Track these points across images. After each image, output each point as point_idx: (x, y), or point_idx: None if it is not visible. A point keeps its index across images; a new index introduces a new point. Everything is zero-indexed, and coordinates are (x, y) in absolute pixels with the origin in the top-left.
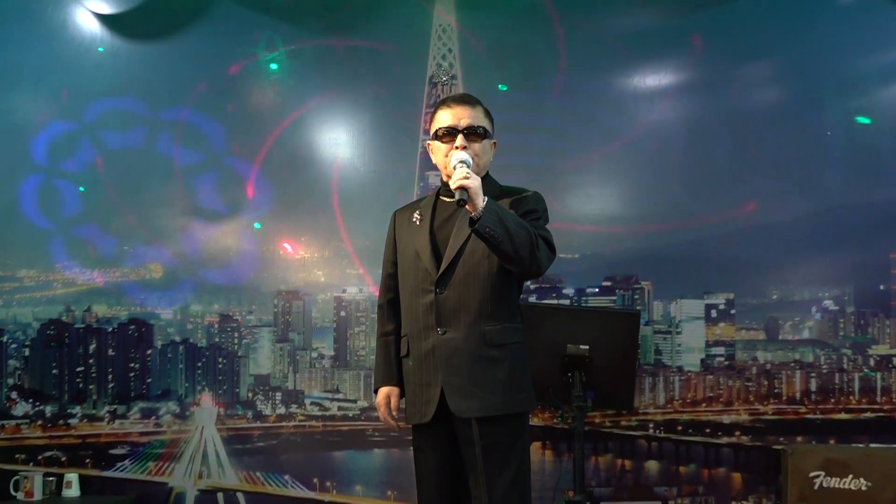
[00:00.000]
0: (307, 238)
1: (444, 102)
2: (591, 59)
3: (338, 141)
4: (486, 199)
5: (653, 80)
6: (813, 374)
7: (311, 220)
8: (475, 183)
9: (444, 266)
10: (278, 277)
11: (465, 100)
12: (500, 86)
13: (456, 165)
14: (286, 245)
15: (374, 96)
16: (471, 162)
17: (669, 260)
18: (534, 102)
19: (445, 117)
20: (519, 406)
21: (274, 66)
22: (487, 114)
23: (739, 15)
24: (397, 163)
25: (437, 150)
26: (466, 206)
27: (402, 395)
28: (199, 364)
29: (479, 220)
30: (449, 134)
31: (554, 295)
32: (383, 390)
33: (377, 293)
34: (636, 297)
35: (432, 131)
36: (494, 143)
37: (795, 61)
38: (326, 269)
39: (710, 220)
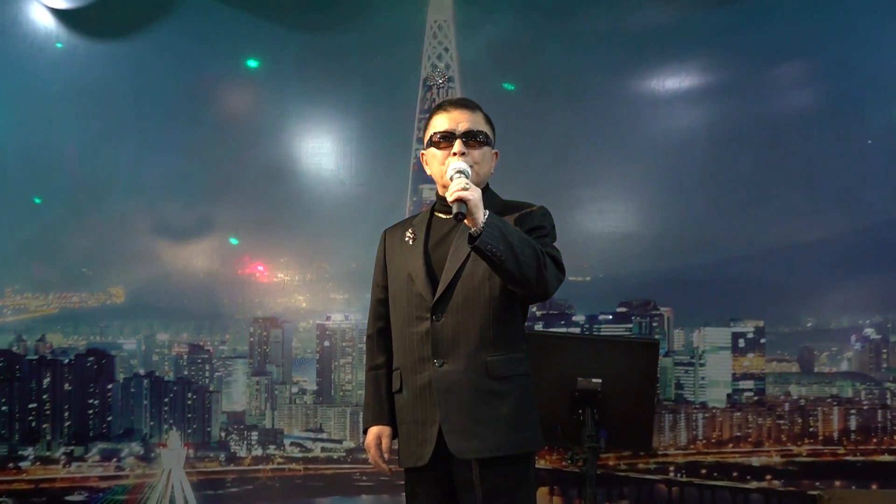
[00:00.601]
0: (287, 259)
1: (441, 106)
2: (603, 59)
3: (321, 150)
4: (488, 212)
5: (672, 82)
6: (853, 411)
7: (292, 239)
8: (475, 195)
9: (440, 290)
10: (254, 303)
11: (463, 104)
12: (504, 84)
13: (453, 176)
14: (260, 267)
15: (363, 101)
16: (469, 172)
17: (692, 283)
18: (539, 108)
19: (442, 122)
20: (525, 446)
21: (252, 64)
22: (488, 120)
23: (769, 10)
24: (388, 175)
25: (433, 158)
26: (465, 221)
27: (394, 434)
28: (166, 400)
29: (479, 236)
30: (445, 139)
31: (562, 322)
32: (373, 430)
33: (365, 321)
34: (654, 324)
35: (427, 138)
36: (496, 153)
37: (832, 61)
38: (308, 294)
39: (737, 238)
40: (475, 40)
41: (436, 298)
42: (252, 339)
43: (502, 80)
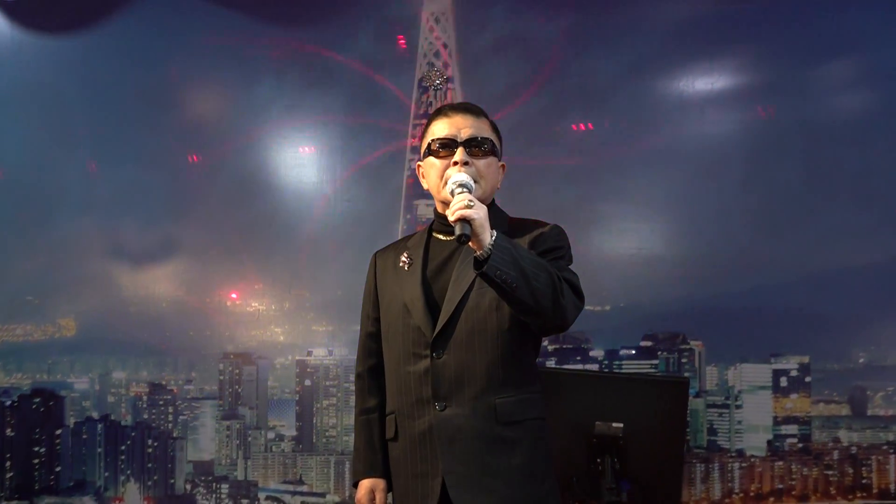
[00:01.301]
0: (262, 286)
1: (440, 111)
2: (625, 56)
3: (302, 161)
4: (495, 232)
5: (703, 83)
6: None
7: (268, 263)
8: (480, 213)
9: (441, 322)
10: (224, 336)
11: (466, 108)
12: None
13: (454, 190)
14: (233, 295)
15: (349, 104)
16: (473, 185)
17: (727, 313)
18: (552, 112)
19: (442, 128)
20: (541, 501)
21: (222, 65)
22: (494, 127)
23: (815, 3)
24: (378, 189)
25: (431, 169)
26: (469, 244)
27: (389, 488)
28: (123, 447)
29: (486, 260)
30: (446, 148)
31: (578, 358)
32: (365, 483)
33: (352, 357)
34: (684, 360)
35: (424, 146)
36: (503, 164)
37: (884, 61)
38: (287, 326)
39: (778, 261)
40: (477, 35)
41: (436, 332)
42: (222, 378)
43: (507, 80)
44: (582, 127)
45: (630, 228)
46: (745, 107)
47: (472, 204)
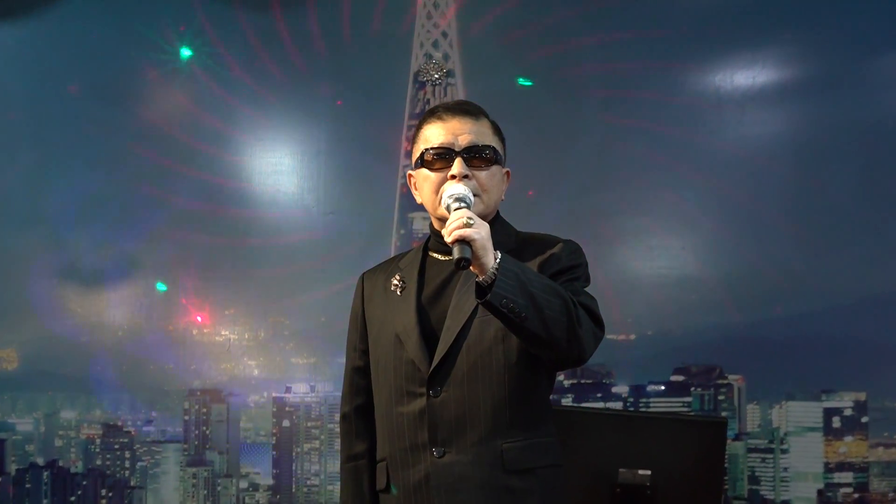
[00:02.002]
0: (234, 311)
1: (434, 113)
2: (651, 47)
3: (279, 167)
4: (500, 254)
5: (743, 77)
6: None
7: (241, 285)
8: (482, 232)
9: (439, 356)
10: (190, 370)
11: (463, 109)
12: (519, 80)
13: (451, 206)
14: (199, 318)
15: (334, 102)
16: (472, 200)
17: (770, 343)
18: (566, 112)
19: (436, 133)
20: None
21: (187, 54)
22: (497, 130)
23: None
24: (367, 200)
25: (424, 182)
26: (470, 268)
27: None
28: (73, 498)
29: (490, 286)
30: (441, 157)
31: (599, 395)
32: None
33: (338, 394)
34: (721, 397)
35: (416, 155)
36: (508, 172)
37: None
38: (262, 358)
39: (829, 284)
40: (481, 22)
41: (433, 367)
42: (187, 418)
43: (516, 73)
44: (602, 128)
45: (658, 245)
46: (792, 105)
47: (471, 222)
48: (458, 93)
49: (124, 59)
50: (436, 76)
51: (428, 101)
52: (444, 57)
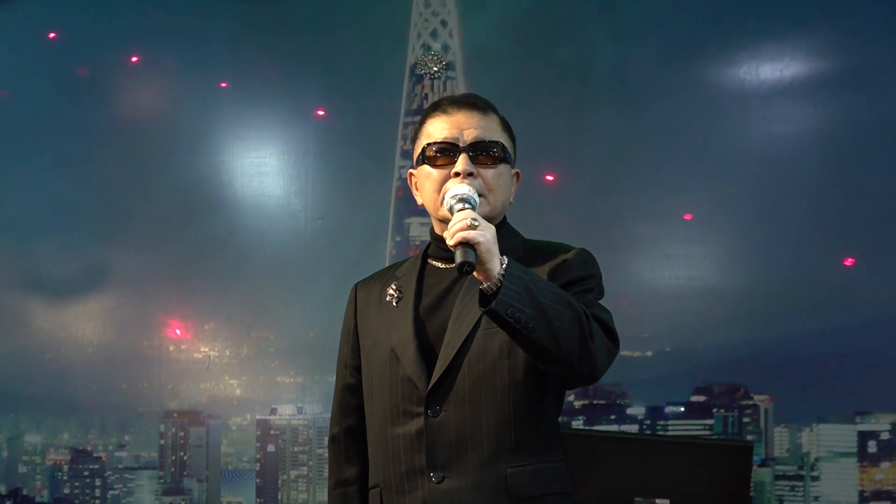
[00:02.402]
0: (214, 325)
1: (438, 106)
2: (671, 37)
3: (264, 169)
4: (506, 259)
5: (771, 69)
6: None
7: (221, 297)
8: (487, 234)
9: (438, 372)
10: (166, 390)
11: (471, 102)
12: None
13: (454, 206)
14: (177, 331)
15: (323, 98)
16: (478, 201)
17: (800, 360)
18: (578, 109)
19: (440, 128)
20: None
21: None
22: (506, 127)
23: None
24: (360, 205)
25: (426, 180)
26: (474, 274)
27: None
28: None
29: (495, 295)
30: (445, 153)
31: (613, 417)
32: None
33: (327, 416)
34: (746, 419)
35: (417, 151)
36: (517, 173)
37: None
38: (245, 377)
39: (866, 295)
40: (484, 10)
41: (432, 384)
42: (163, 443)
43: (525, 67)
44: (615, 126)
45: (677, 253)
46: (824, 99)
47: (476, 223)
48: (459, 87)
49: (93, 51)
50: (434, 69)
51: (426, 96)
52: (443, 48)
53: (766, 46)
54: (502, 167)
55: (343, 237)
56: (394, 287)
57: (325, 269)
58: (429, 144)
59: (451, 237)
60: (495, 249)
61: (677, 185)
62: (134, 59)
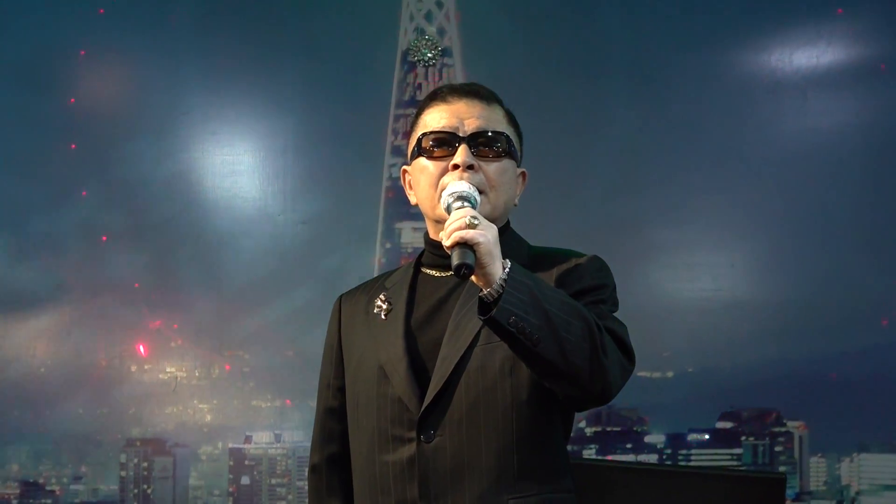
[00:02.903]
0: (182, 342)
1: (437, 95)
2: (693, 21)
3: (237, 167)
4: (509, 263)
5: (805, 56)
6: None
7: (190, 311)
8: (488, 234)
9: (432, 393)
10: (128, 414)
11: (473, 91)
12: None
13: (452, 205)
14: (141, 349)
15: (304, 87)
16: (477, 197)
17: (839, 382)
18: (590, 101)
19: (438, 117)
20: None
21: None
22: (512, 120)
23: None
24: (345, 208)
25: (422, 175)
26: (472, 279)
27: None
28: None
29: (497, 302)
30: (443, 145)
31: (629, 445)
32: None
33: (308, 443)
34: (778, 448)
35: (413, 142)
36: (524, 173)
37: None
38: (217, 401)
39: None
40: None
41: (425, 406)
42: (124, 474)
43: (530, 54)
44: (631, 120)
45: (701, 262)
46: (865, 90)
47: (475, 222)
48: (456, 76)
49: (46, 36)
50: (429, 55)
51: (419, 86)
52: (438, 32)
53: (800, 30)
54: (506, 162)
55: (326, 244)
56: (382, 298)
57: (306, 279)
58: (425, 134)
59: (448, 237)
60: (497, 252)
61: (701, 186)
62: (82, 51)
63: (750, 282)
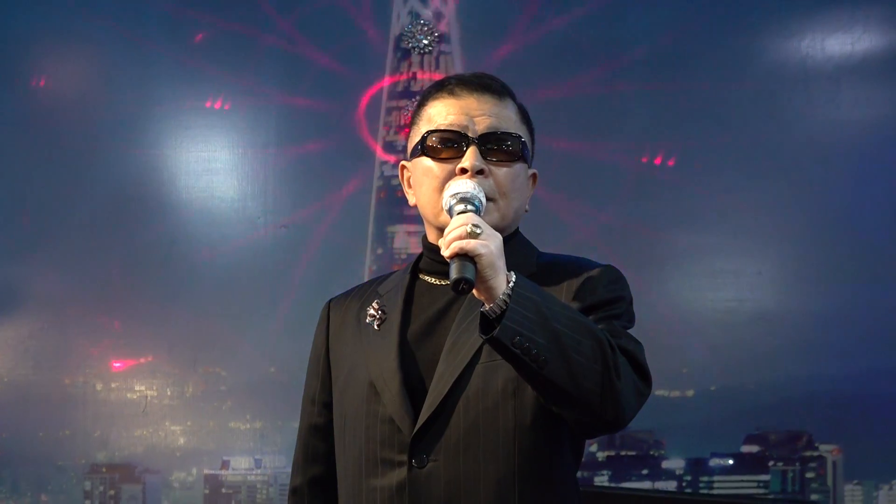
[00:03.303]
0: (153, 358)
1: (443, 86)
2: (712, 4)
3: (213, 165)
4: (514, 276)
5: (840, 42)
6: None
7: (160, 323)
8: (491, 245)
9: (426, 413)
10: (93, 437)
11: (484, 83)
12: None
13: (454, 207)
14: (117, 364)
15: (287, 76)
16: (483, 201)
17: (876, 402)
18: (601, 90)
19: (444, 112)
20: None
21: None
22: (526, 118)
23: None
24: (332, 210)
25: (424, 176)
26: (473, 292)
27: None
28: None
29: (499, 319)
30: (450, 144)
31: (645, 472)
32: None
33: (290, 467)
34: (810, 475)
35: (415, 139)
36: (535, 174)
37: None
38: (191, 422)
39: None
40: None
41: (418, 428)
42: (89, 503)
43: (538, 41)
44: (648, 112)
45: (725, 270)
46: None
47: (477, 230)
48: (455, 64)
49: (9, 24)
50: (424, 42)
51: (414, 75)
52: (434, 16)
53: (834, 14)
54: (519, 166)
55: (311, 250)
56: (376, 306)
57: (288, 289)
58: (430, 132)
59: (447, 247)
60: (501, 263)
61: (724, 186)
62: (45, 31)
63: (778, 291)
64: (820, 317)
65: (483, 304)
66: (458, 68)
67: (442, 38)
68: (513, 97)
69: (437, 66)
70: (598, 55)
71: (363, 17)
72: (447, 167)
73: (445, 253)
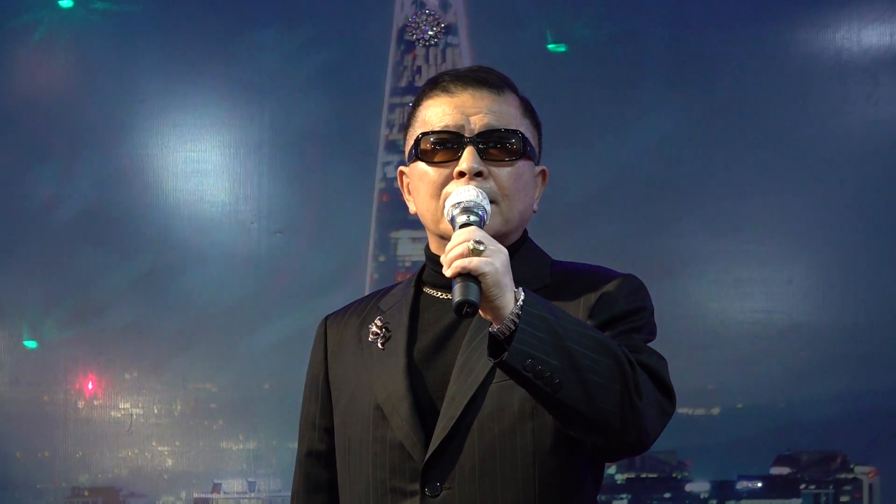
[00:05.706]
0: (137, 375)
1: (436, 83)
2: None
3: (203, 167)
4: (523, 293)
5: (876, 34)
6: None
7: (146, 337)
8: (496, 262)
9: (439, 438)
10: (75, 458)
11: (480, 77)
12: (549, 44)
13: (456, 218)
14: (90, 384)
15: (283, 73)
16: (486, 209)
17: None
18: (616, 85)
19: (439, 112)
20: None
21: (67, 4)
22: (529, 111)
23: None
24: (330, 214)
25: (421, 181)
26: (480, 312)
27: None
28: None
29: (509, 340)
30: (446, 146)
31: (668, 495)
32: None
33: (287, 493)
34: (845, 498)
35: (410, 143)
36: (544, 171)
37: None
38: (178, 442)
39: None
40: None
41: (430, 453)
42: None
43: (546, 32)
44: (669, 109)
45: (752, 279)
46: None
47: (480, 247)
48: (463, 58)
49: None
50: (430, 33)
51: (418, 69)
52: (441, 6)
53: (870, 2)
54: (522, 165)
55: (308, 257)
56: (378, 323)
57: (284, 299)
58: (424, 135)
59: (448, 266)
60: (507, 280)
61: (752, 188)
62: (22, 23)
63: (810, 301)
64: (854, 329)
65: (491, 324)
66: (465, 61)
67: (449, 30)
68: (513, 89)
69: (444, 60)
70: (617, 48)
71: (364, 7)
72: (444, 171)
73: (447, 273)
